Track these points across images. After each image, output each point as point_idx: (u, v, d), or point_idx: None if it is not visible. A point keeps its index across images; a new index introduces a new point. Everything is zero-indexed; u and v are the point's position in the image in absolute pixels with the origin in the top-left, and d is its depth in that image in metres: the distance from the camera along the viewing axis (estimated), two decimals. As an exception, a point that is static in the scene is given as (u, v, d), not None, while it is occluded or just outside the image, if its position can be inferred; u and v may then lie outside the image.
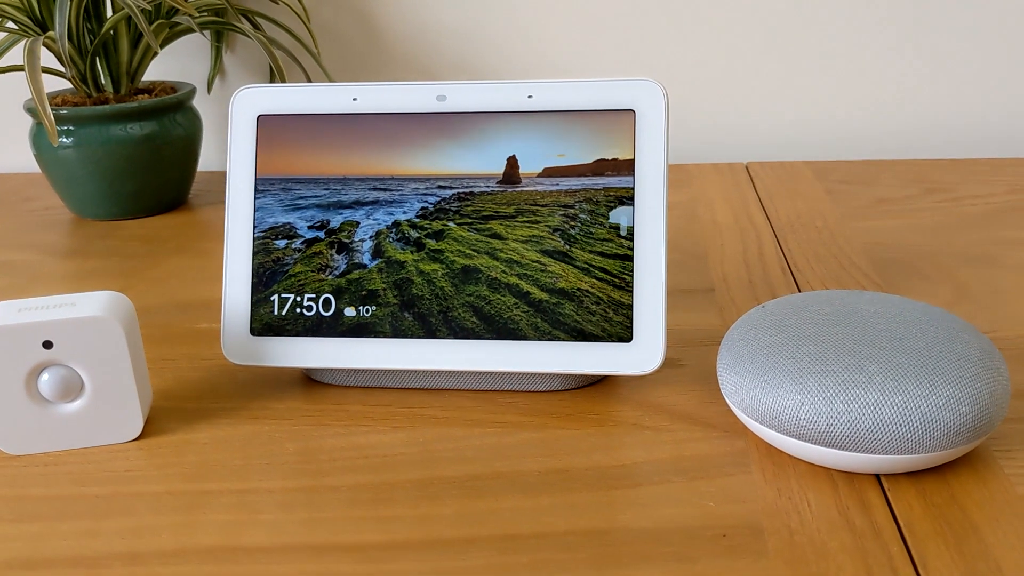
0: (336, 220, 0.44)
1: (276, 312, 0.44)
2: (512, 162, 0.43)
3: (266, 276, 0.44)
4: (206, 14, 0.75)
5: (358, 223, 0.44)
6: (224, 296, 0.45)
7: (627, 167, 0.42)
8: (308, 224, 0.45)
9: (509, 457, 0.39)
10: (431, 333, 0.43)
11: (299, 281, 0.44)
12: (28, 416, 0.40)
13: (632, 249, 0.42)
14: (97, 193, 0.73)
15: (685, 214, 0.70)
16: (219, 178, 0.86)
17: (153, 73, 0.87)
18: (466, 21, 0.86)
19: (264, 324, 0.44)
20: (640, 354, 0.42)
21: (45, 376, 0.40)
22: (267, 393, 0.45)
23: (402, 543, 0.34)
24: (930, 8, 0.82)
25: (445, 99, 0.44)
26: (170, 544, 0.35)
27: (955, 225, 0.65)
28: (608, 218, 0.43)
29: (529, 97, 0.43)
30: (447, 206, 0.44)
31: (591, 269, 0.42)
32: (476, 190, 0.44)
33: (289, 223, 0.45)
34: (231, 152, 0.45)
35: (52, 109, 0.66)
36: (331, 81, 0.68)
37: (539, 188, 0.43)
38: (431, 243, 0.44)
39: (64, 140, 0.70)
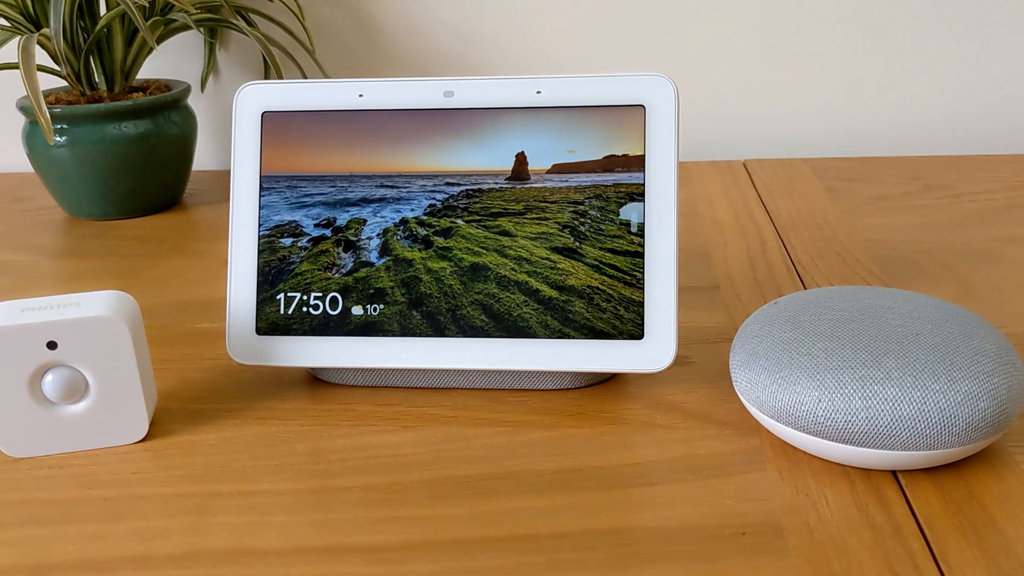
0: (343, 218, 0.44)
1: (282, 311, 0.44)
2: (521, 158, 0.43)
3: (272, 275, 0.44)
4: (200, 11, 0.74)
5: (365, 221, 0.44)
6: (229, 295, 0.44)
7: (637, 163, 0.42)
8: (314, 222, 0.44)
9: (521, 456, 0.39)
10: (440, 332, 0.43)
11: (305, 280, 0.44)
12: (32, 418, 0.39)
13: (643, 246, 0.42)
14: (91, 193, 0.72)
15: (686, 212, 0.70)
16: (213, 177, 0.85)
17: (146, 72, 0.86)
18: (462, 18, 0.85)
19: (270, 323, 0.44)
20: (651, 351, 0.41)
21: (49, 377, 0.39)
22: (272, 393, 0.45)
23: (417, 544, 0.34)
24: (926, 6, 0.82)
25: (453, 95, 0.43)
26: (181, 547, 0.34)
27: (955, 222, 0.65)
28: (618, 214, 0.42)
29: (538, 93, 0.43)
30: (455, 203, 0.43)
31: (601, 266, 0.42)
32: (484, 187, 0.43)
33: (295, 221, 0.44)
34: (235, 149, 0.45)
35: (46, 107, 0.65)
36: (327, 78, 0.67)
37: (548, 185, 0.43)
38: (439, 240, 0.43)
39: (58, 139, 0.69)
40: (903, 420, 0.34)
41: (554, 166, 0.43)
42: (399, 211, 0.44)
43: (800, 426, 0.36)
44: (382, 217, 0.44)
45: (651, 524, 0.34)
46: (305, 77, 0.77)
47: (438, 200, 0.43)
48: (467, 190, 0.43)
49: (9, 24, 0.69)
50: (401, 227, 0.44)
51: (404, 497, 0.36)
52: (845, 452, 0.35)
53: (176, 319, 0.54)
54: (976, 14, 0.82)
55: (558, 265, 0.42)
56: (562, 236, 0.43)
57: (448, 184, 0.43)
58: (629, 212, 0.42)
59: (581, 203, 0.43)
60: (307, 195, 0.44)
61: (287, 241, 0.44)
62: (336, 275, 0.44)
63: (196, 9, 0.72)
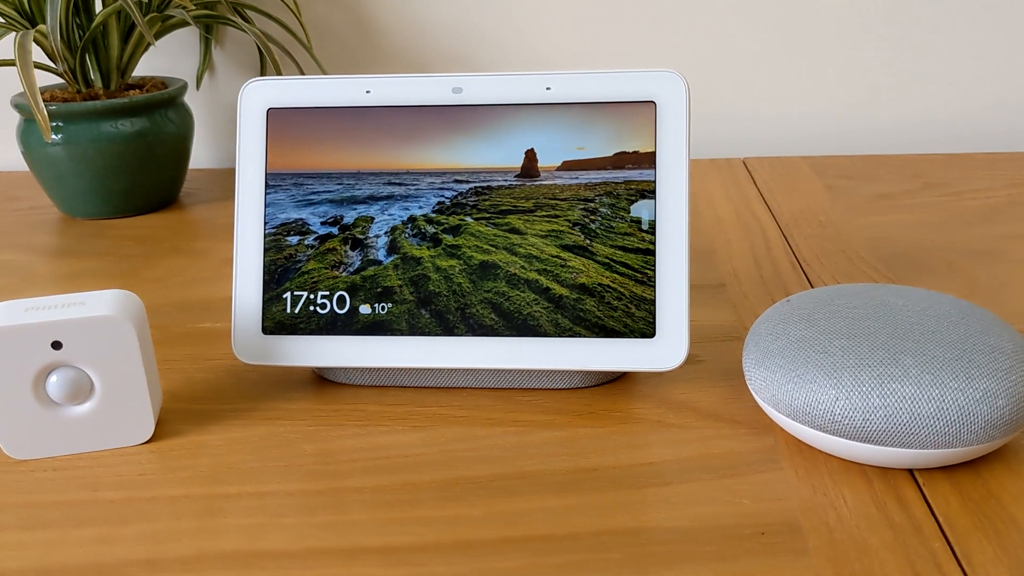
0: (350, 216, 0.43)
1: (289, 310, 0.43)
2: (530, 155, 0.42)
3: (278, 273, 0.43)
4: (197, 7, 0.73)
5: (373, 218, 0.43)
6: (234, 294, 0.44)
7: (648, 160, 0.42)
8: (321, 220, 0.43)
9: (533, 456, 0.38)
10: (449, 331, 0.42)
11: (312, 278, 0.43)
12: (36, 419, 0.39)
13: (654, 243, 0.41)
14: (87, 191, 0.71)
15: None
16: (209, 176, 0.85)
17: (139, 69, 0.85)
18: (461, 17, 0.85)
19: (276, 323, 0.43)
20: (663, 350, 0.41)
21: (54, 378, 0.38)
22: (278, 393, 0.44)
23: (432, 545, 0.33)
24: (926, 5, 0.82)
25: (461, 91, 0.43)
26: (190, 550, 0.34)
27: (957, 220, 0.65)
28: (629, 212, 0.42)
29: (547, 89, 0.43)
30: (464, 200, 0.43)
31: (612, 264, 0.42)
32: (494, 184, 0.43)
33: (301, 219, 0.43)
34: (240, 147, 0.44)
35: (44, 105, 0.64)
36: (325, 75, 0.67)
37: (558, 182, 0.42)
38: (448, 238, 0.43)
39: (53, 137, 0.68)
40: (922, 418, 0.34)
41: (564, 163, 0.42)
42: (407, 209, 0.43)
43: (817, 425, 0.35)
44: (390, 215, 0.43)
45: (668, 524, 0.34)
46: (303, 74, 0.76)
47: (447, 197, 0.43)
48: (476, 187, 0.43)
49: (3, 20, 0.68)
50: (409, 225, 0.43)
51: (416, 498, 0.36)
52: (863, 451, 0.35)
53: (177, 319, 0.53)
54: (976, 13, 0.82)
55: (568, 263, 0.42)
56: (572, 234, 0.42)
57: (457, 181, 0.43)
58: (640, 209, 0.42)
59: (591, 200, 0.42)
60: (313, 193, 0.44)
61: (293, 239, 0.43)
62: (343, 273, 0.43)
63: (194, 6, 0.72)
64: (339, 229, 0.43)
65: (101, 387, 0.39)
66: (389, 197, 0.43)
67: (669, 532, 0.33)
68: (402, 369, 0.43)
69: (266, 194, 0.44)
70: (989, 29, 0.82)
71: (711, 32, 0.84)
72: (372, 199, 0.43)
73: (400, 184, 0.43)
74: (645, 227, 0.42)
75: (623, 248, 0.42)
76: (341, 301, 0.43)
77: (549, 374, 0.43)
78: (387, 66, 0.87)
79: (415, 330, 0.42)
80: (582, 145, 0.42)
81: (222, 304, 0.55)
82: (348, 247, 0.43)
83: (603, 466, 0.38)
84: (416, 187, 0.43)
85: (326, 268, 0.43)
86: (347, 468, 0.38)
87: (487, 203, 0.43)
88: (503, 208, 0.43)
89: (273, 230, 0.44)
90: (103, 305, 0.38)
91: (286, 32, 0.80)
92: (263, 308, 0.43)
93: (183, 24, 0.73)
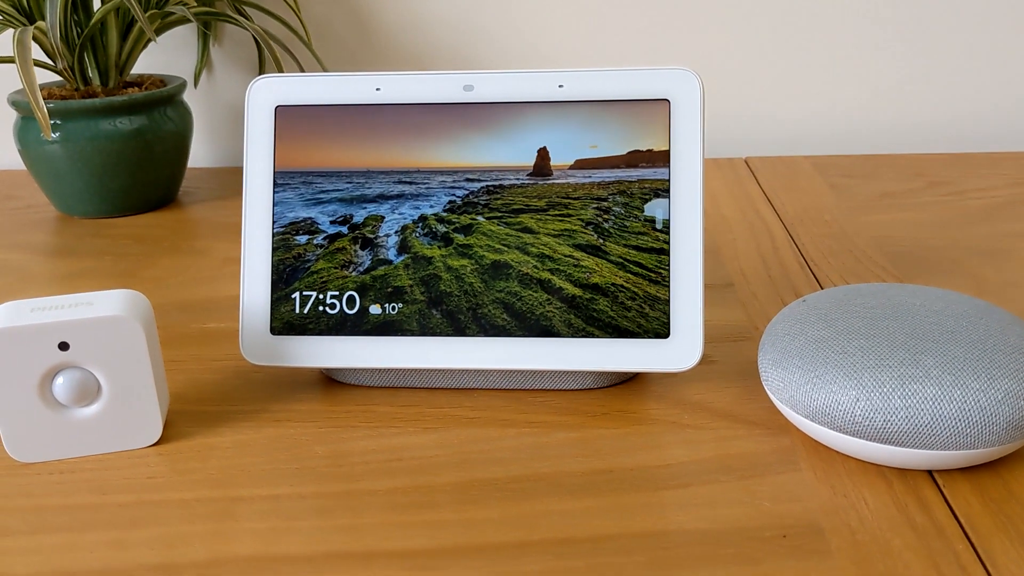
0: (360, 215, 0.43)
1: (297, 310, 0.43)
2: (543, 154, 0.42)
3: (287, 273, 0.43)
4: (197, 4, 0.73)
5: (383, 217, 0.43)
6: (242, 294, 0.43)
7: (662, 158, 0.41)
8: (330, 219, 0.43)
9: (548, 458, 0.38)
10: (460, 331, 0.42)
11: (321, 278, 0.43)
12: (42, 421, 0.38)
13: (668, 243, 0.41)
14: (85, 190, 0.70)
15: (691, 209, 0.69)
16: (207, 175, 0.84)
17: (137, 67, 0.84)
18: (461, 16, 0.84)
19: (285, 323, 0.43)
20: (678, 350, 0.41)
21: (60, 379, 0.38)
22: (287, 395, 0.44)
23: (451, 548, 0.33)
24: (927, 4, 0.82)
25: (472, 89, 0.43)
26: (204, 554, 0.33)
27: (962, 219, 0.65)
28: (643, 211, 0.41)
29: (560, 87, 0.42)
30: (476, 199, 0.42)
31: (626, 263, 0.41)
32: (506, 183, 0.42)
33: (310, 218, 0.43)
34: (248, 145, 0.43)
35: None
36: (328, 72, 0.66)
37: (571, 180, 0.42)
38: (459, 238, 0.42)
39: (51, 134, 0.67)
40: (944, 419, 0.33)
41: (577, 161, 0.42)
42: (418, 207, 0.43)
43: (836, 426, 0.35)
44: (400, 214, 0.43)
45: (689, 526, 0.33)
46: (303, 71, 0.75)
47: (458, 196, 0.43)
48: (488, 186, 0.42)
49: (1, 17, 0.68)
50: (420, 224, 0.43)
51: (432, 500, 0.35)
52: (882, 452, 0.35)
53: (179, 319, 0.53)
54: (977, 13, 0.82)
55: (581, 263, 0.41)
56: (585, 233, 0.42)
57: (468, 180, 0.42)
58: (654, 208, 0.41)
59: (605, 199, 0.42)
60: (323, 191, 0.43)
61: (302, 238, 0.43)
62: (353, 273, 0.42)
63: (195, 2, 0.71)
64: (349, 228, 0.43)
65: (108, 388, 0.38)
66: (400, 196, 0.43)
67: (691, 534, 0.33)
68: (413, 370, 0.43)
69: (274, 193, 0.43)
70: (991, 29, 0.82)
71: (711, 32, 0.84)
72: (382, 198, 0.43)
73: (411, 183, 0.43)
74: (659, 226, 0.41)
75: (637, 247, 0.41)
76: (351, 301, 0.42)
77: (562, 375, 0.43)
78: (388, 64, 0.86)
79: (426, 331, 0.42)
80: (595, 143, 0.42)
81: (225, 304, 0.55)
82: (358, 246, 0.43)
83: (620, 467, 0.37)
84: (427, 186, 0.43)
85: (335, 268, 0.43)
86: (360, 470, 0.38)
87: (499, 202, 0.42)
88: (515, 207, 0.42)
89: (281, 229, 0.43)
90: (111, 305, 0.38)
91: (286, 29, 0.79)
92: (271, 308, 0.43)
93: (182, 21, 0.72)
